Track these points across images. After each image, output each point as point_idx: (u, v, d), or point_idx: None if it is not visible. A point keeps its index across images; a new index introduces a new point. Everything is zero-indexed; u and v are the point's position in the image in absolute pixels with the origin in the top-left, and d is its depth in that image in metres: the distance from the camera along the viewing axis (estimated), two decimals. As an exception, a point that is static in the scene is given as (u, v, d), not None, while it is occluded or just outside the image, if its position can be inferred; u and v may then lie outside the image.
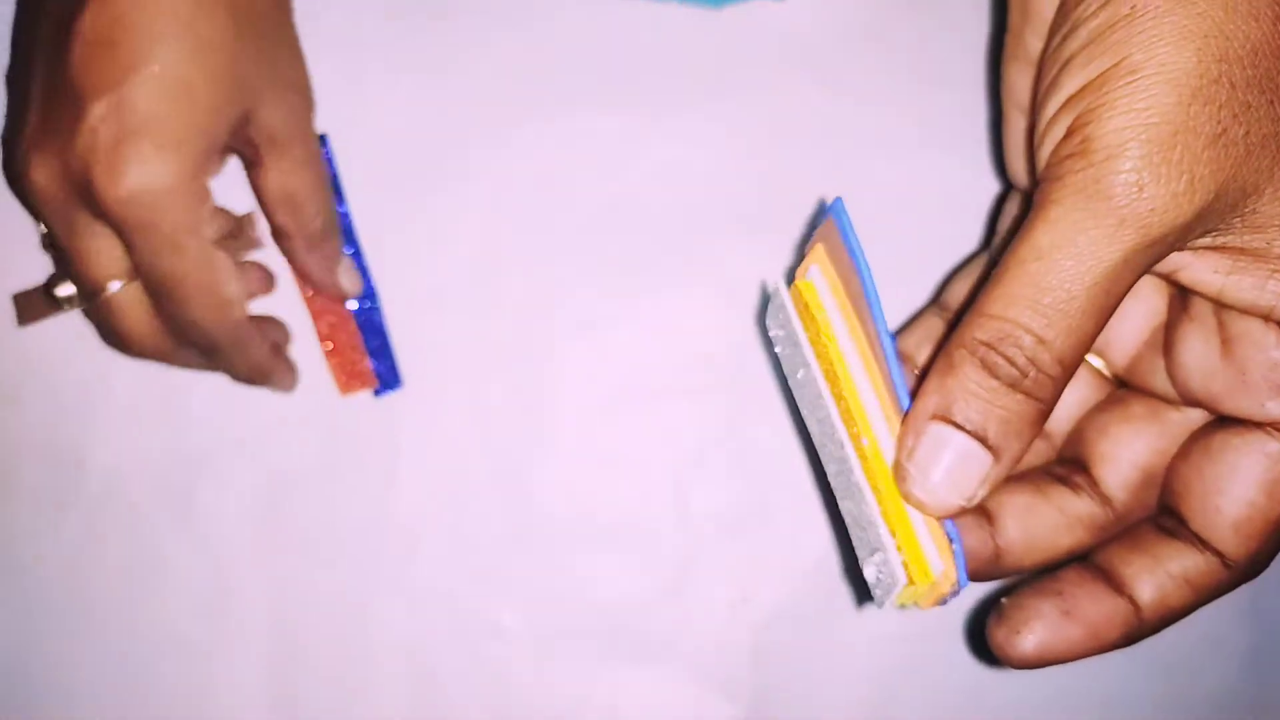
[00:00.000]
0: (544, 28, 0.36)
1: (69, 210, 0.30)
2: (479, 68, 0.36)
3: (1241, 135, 0.23)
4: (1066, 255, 0.23)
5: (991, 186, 0.36)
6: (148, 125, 0.28)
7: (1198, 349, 0.27)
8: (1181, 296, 0.27)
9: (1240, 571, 0.26)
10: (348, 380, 0.35)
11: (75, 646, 0.35)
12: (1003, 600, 0.27)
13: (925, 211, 0.35)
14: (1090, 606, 0.26)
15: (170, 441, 0.35)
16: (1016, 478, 0.29)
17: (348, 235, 0.35)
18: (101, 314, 0.32)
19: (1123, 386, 0.30)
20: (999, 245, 0.31)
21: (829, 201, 0.26)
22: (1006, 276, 0.24)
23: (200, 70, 0.29)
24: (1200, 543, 0.26)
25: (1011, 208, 0.31)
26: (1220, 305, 0.26)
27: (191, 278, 0.30)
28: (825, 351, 0.26)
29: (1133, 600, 0.26)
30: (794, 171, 0.36)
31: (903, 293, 0.35)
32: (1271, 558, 0.27)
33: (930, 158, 0.36)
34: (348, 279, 0.35)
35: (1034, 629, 0.26)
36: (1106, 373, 0.30)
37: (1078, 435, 0.30)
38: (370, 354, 0.35)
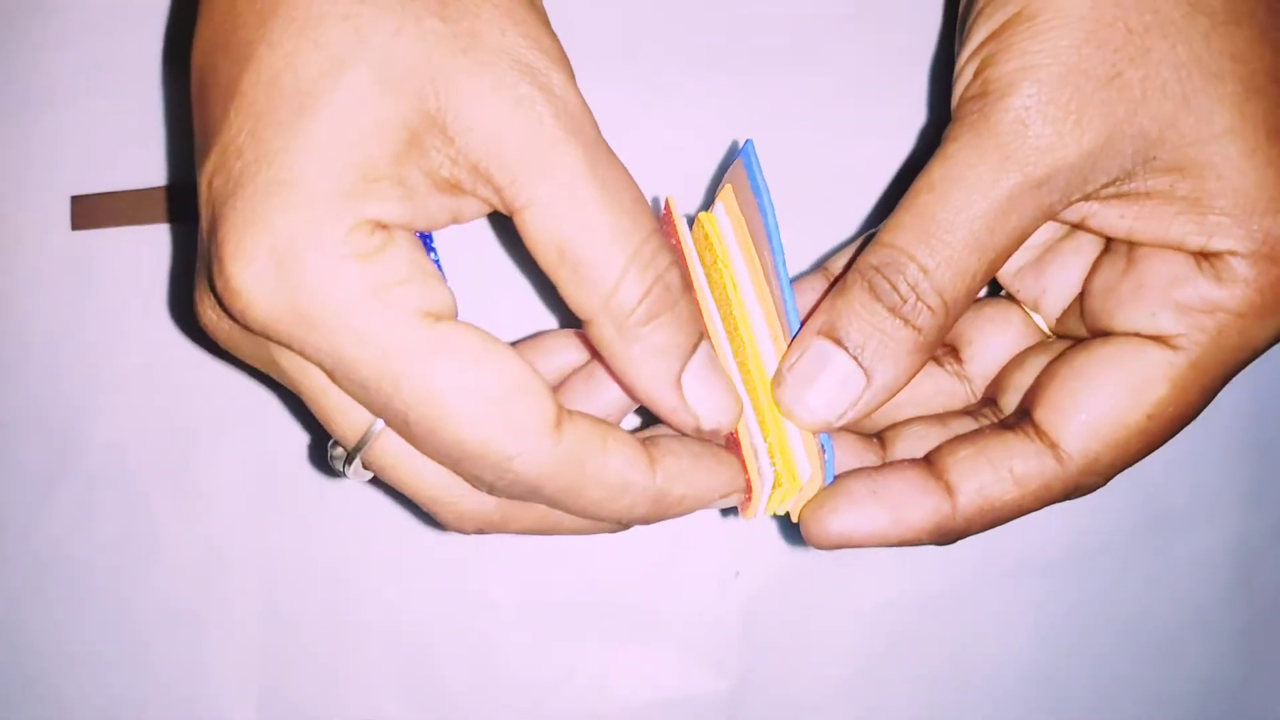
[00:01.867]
0: None
1: (259, 349, 0.24)
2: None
3: (1139, 79, 0.23)
4: (953, 188, 0.23)
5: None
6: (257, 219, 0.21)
7: (1106, 273, 0.27)
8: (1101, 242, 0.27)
9: (1074, 474, 0.25)
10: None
11: (70, 619, 0.35)
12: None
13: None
14: (900, 490, 0.25)
15: (166, 416, 0.35)
16: (925, 415, 0.29)
17: None
18: (393, 476, 0.25)
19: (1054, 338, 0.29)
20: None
21: (741, 144, 0.27)
22: (902, 207, 0.24)
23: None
24: (1038, 434, 0.25)
25: None
26: (1126, 242, 0.26)
27: (450, 435, 0.22)
28: (719, 278, 0.27)
29: (950, 489, 0.25)
30: (791, 152, 0.35)
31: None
32: (1111, 471, 0.25)
33: (926, 139, 0.35)
34: (704, 396, 0.25)
35: (838, 508, 0.25)
36: (1047, 329, 0.29)
37: (998, 377, 0.29)
38: None
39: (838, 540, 0.25)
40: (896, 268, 0.24)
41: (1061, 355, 0.27)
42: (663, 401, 0.24)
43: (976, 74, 0.24)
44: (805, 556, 0.36)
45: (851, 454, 0.28)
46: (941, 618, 0.36)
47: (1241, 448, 0.36)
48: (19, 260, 0.35)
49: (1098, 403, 0.25)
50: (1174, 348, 0.25)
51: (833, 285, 0.26)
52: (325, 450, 0.27)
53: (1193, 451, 0.36)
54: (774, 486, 0.25)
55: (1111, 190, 0.24)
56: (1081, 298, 0.27)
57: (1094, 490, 0.26)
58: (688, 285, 0.25)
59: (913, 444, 0.28)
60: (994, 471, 0.25)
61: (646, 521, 0.25)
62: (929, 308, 0.24)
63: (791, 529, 0.35)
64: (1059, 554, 0.36)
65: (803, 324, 0.26)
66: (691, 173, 0.35)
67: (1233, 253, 0.24)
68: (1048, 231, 0.29)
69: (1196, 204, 0.24)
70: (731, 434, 0.26)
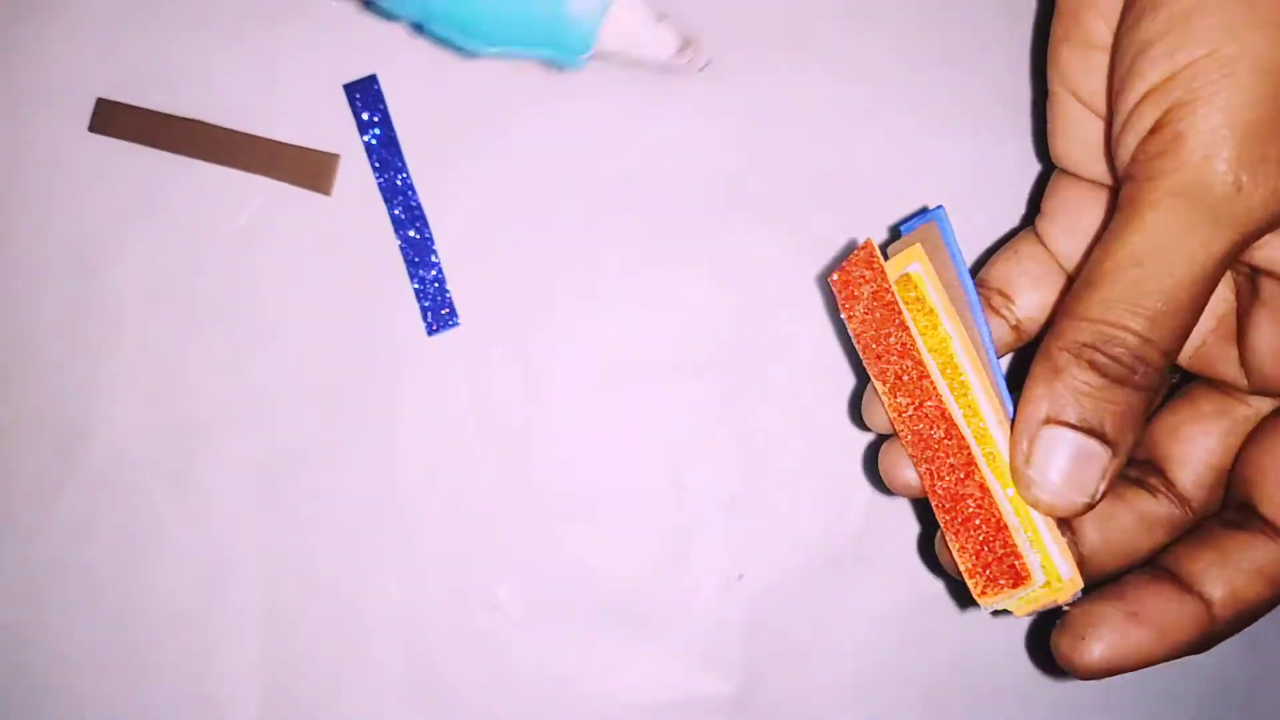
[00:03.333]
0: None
1: None
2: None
3: None
4: (1167, 259, 0.23)
5: (990, 163, 0.35)
6: None
7: (1269, 331, 0.26)
8: (1250, 282, 0.27)
9: None
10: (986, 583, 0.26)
11: (73, 620, 0.35)
12: (1066, 608, 0.26)
13: (925, 191, 0.35)
14: (1157, 607, 0.25)
15: (169, 417, 0.35)
16: None
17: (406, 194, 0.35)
18: None
19: (1188, 378, 0.29)
20: (1052, 227, 0.30)
21: (931, 207, 0.27)
22: (1106, 280, 0.23)
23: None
24: (1272, 530, 0.26)
25: (1064, 189, 0.30)
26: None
27: None
28: (937, 341, 0.26)
29: (1203, 598, 0.25)
30: (794, 152, 0.35)
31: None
32: None
33: (930, 137, 0.35)
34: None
35: (1100, 634, 0.25)
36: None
37: (1149, 437, 0.29)
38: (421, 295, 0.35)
39: (1105, 667, 0.25)
40: (1119, 343, 0.23)
41: (1257, 442, 0.27)
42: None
43: (1160, 126, 0.23)
44: (809, 559, 0.35)
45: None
46: (946, 620, 0.36)
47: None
48: (34, 147, 0.36)
49: None
50: None
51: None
52: None
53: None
54: (1044, 585, 0.25)
55: None
56: (1245, 354, 0.27)
57: None
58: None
59: (1101, 524, 0.27)
60: (1244, 575, 0.25)
61: None
62: (1156, 369, 0.24)
63: (795, 531, 0.35)
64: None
65: (1014, 413, 0.25)
66: (694, 174, 0.35)
67: None
68: (1221, 306, 0.28)
69: None
70: (982, 507, 0.25)
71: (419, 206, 0.35)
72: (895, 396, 0.27)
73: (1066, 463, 0.24)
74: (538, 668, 0.35)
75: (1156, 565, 0.27)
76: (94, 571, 0.35)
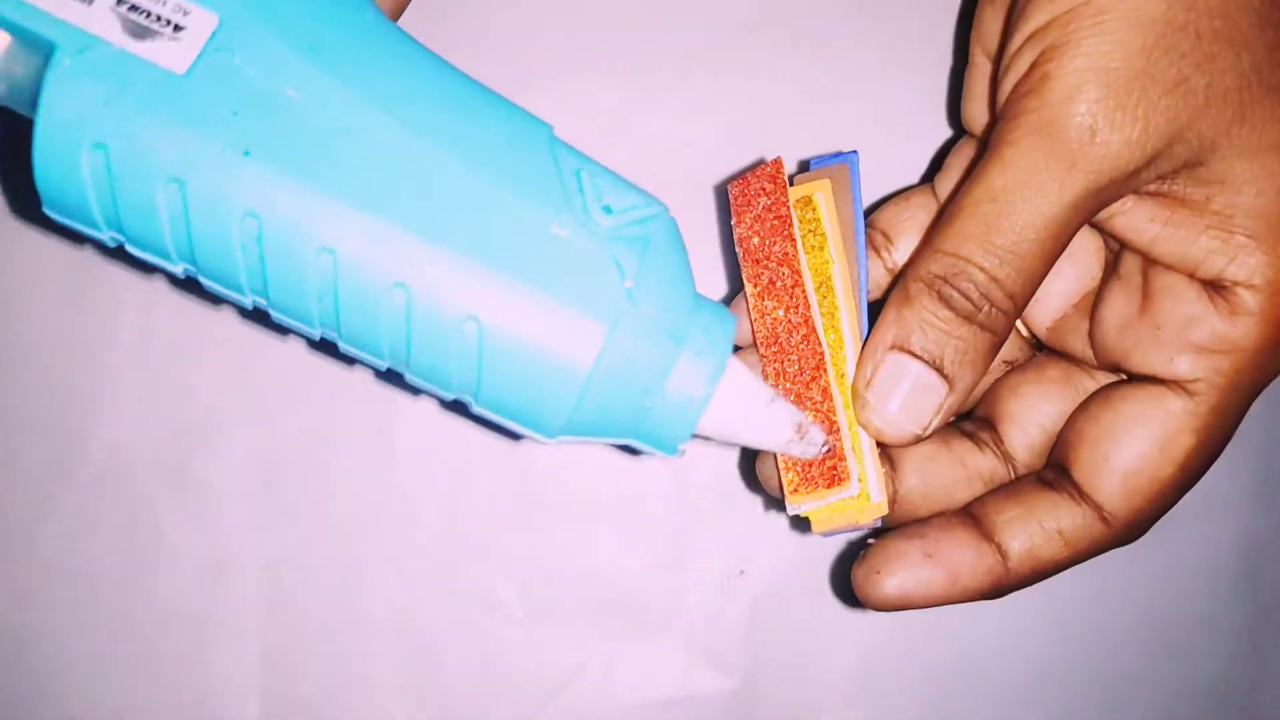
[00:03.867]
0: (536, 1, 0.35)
1: None
2: (476, 40, 0.35)
3: (1203, 86, 0.23)
4: (1019, 198, 0.23)
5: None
6: None
7: (1119, 305, 0.27)
8: (1114, 259, 0.27)
9: (1119, 530, 0.26)
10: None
11: (73, 622, 0.35)
12: (869, 541, 0.27)
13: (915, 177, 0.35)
14: (954, 551, 0.26)
15: (168, 417, 0.35)
16: None
17: None
18: None
19: (1042, 350, 0.29)
20: (946, 182, 0.30)
21: (846, 150, 0.28)
22: (961, 215, 0.24)
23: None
24: (1081, 496, 0.26)
25: (966, 149, 0.30)
26: (1148, 259, 0.26)
27: None
28: (820, 263, 0.27)
29: (1001, 550, 0.26)
30: (790, 146, 0.35)
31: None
32: (1153, 520, 0.26)
33: (928, 128, 0.35)
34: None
35: (894, 570, 0.26)
36: (1025, 333, 0.30)
37: (992, 394, 0.29)
38: None
39: (895, 602, 0.26)
40: (966, 277, 0.24)
41: (1084, 409, 0.27)
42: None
43: (1034, 67, 0.24)
44: (810, 555, 0.35)
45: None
46: (947, 616, 0.35)
47: (1248, 446, 0.36)
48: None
49: (1130, 462, 0.25)
50: (1193, 394, 0.25)
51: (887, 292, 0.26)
52: None
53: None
54: (858, 497, 0.25)
55: (1153, 187, 0.24)
56: (1093, 327, 0.27)
57: (1135, 539, 0.26)
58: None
59: (923, 467, 0.28)
60: (1044, 533, 0.26)
61: None
62: (1003, 312, 0.24)
63: (798, 528, 0.35)
64: (1065, 552, 0.35)
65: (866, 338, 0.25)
66: (693, 168, 0.35)
67: (1248, 284, 0.24)
68: (1083, 280, 0.29)
69: (1228, 221, 0.24)
70: (825, 414, 0.26)
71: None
72: (763, 300, 0.27)
73: (904, 391, 0.24)
74: (538, 665, 0.35)
75: (964, 511, 0.27)
76: (93, 572, 0.35)
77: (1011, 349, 0.30)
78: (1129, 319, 0.26)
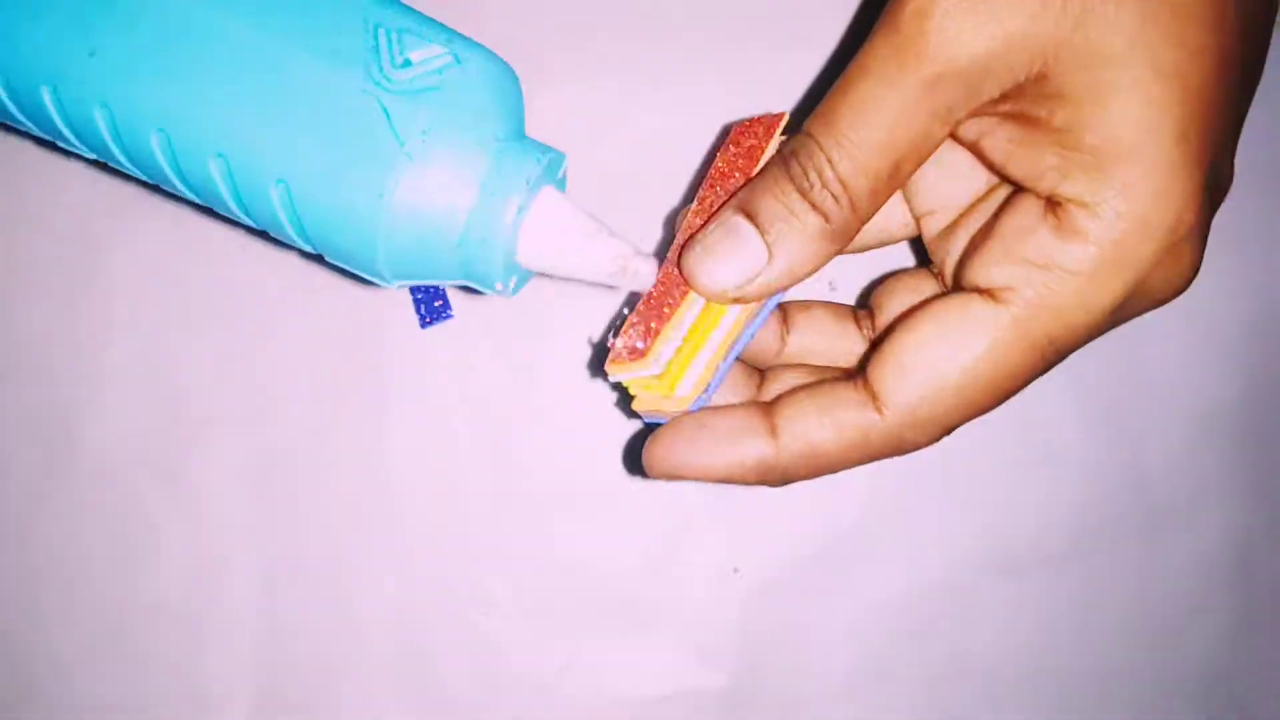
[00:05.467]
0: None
1: None
2: (474, 36, 0.36)
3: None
4: (858, 82, 0.23)
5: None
6: None
7: (974, 221, 0.27)
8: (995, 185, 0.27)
9: (891, 426, 0.25)
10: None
11: (65, 618, 0.35)
12: (651, 413, 0.27)
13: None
14: (728, 428, 0.26)
15: (161, 415, 0.35)
16: (828, 305, 0.30)
17: None
18: None
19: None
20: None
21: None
22: (825, 99, 0.24)
23: None
24: (864, 388, 0.25)
25: None
26: (1004, 178, 0.26)
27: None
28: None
29: (775, 433, 0.26)
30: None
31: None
32: (929, 427, 0.25)
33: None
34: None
35: (668, 438, 0.26)
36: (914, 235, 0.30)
37: (882, 286, 0.30)
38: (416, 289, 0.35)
39: (665, 470, 0.26)
40: (808, 153, 0.24)
41: (909, 312, 0.26)
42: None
43: None
44: (804, 553, 0.35)
45: (730, 386, 0.28)
46: (940, 612, 0.36)
47: (1239, 441, 0.36)
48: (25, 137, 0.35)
49: (917, 357, 0.24)
50: (1000, 303, 0.24)
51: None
52: None
53: (1190, 445, 0.36)
54: (659, 374, 0.25)
55: (1006, 107, 0.24)
56: (949, 243, 0.28)
57: (919, 448, 0.25)
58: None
59: (808, 334, 0.29)
60: (818, 418, 0.25)
61: None
62: (833, 195, 0.24)
63: (790, 525, 0.35)
64: (1058, 547, 0.35)
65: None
66: (686, 162, 0.35)
67: (1081, 203, 0.23)
68: (966, 194, 0.28)
69: (1068, 137, 0.23)
70: (671, 304, 0.26)
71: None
72: (696, 219, 0.27)
73: (728, 247, 0.25)
74: (531, 661, 0.35)
75: (768, 401, 0.27)
76: (85, 569, 0.35)
77: (976, 183, 0.29)
78: (976, 235, 0.26)
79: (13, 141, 0.36)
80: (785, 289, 0.26)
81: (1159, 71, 0.22)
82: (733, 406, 0.27)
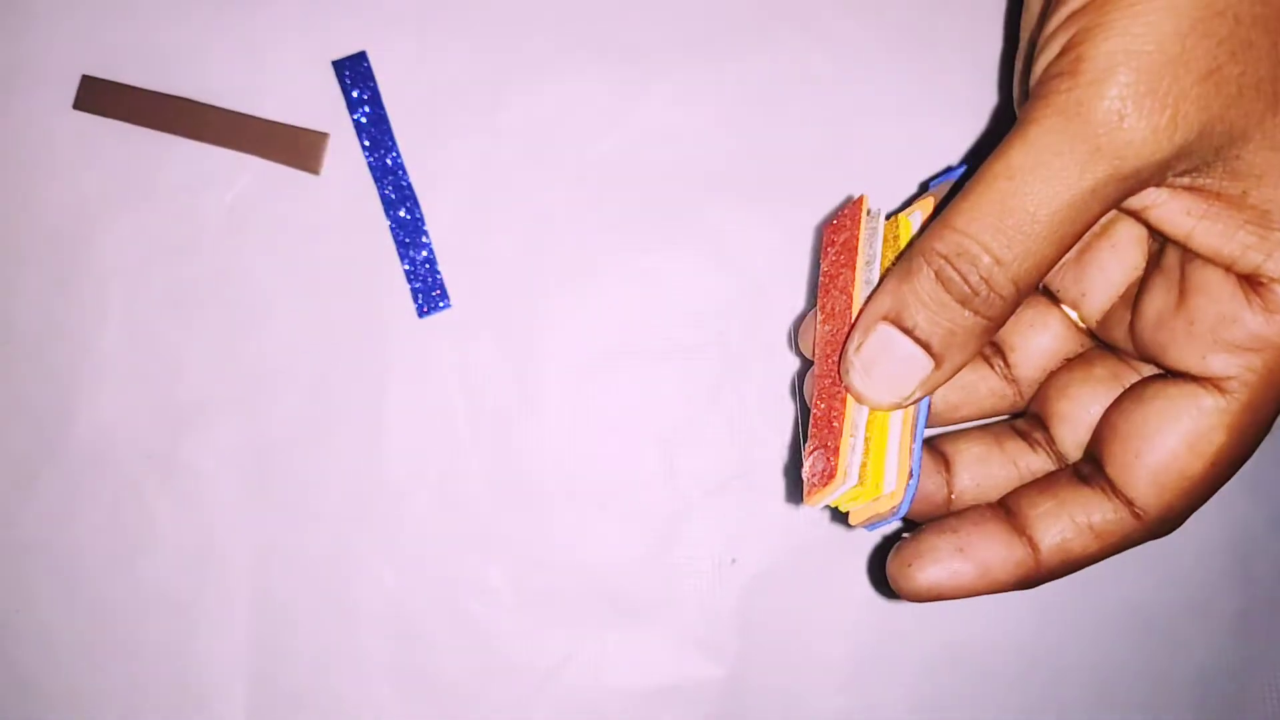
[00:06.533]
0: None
1: None
2: (469, 31, 0.35)
3: (1236, 74, 0.22)
4: (1037, 177, 0.23)
5: (985, 144, 0.35)
6: None
7: (1158, 299, 0.26)
8: (1158, 250, 0.27)
9: (1150, 526, 0.26)
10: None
11: (58, 607, 0.35)
12: (904, 535, 0.27)
13: (915, 170, 0.35)
14: (985, 546, 0.26)
15: (156, 401, 0.35)
16: (980, 429, 0.30)
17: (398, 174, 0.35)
18: None
19: (1095, 341, 0.29)
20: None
21: (955, 166, 0.28)
22: (975, 191, 0.23)
23: None
24: (1113, 491, 0.26)
25: None
26: (1186, 251, 0.25)
27: None
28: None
29: (1032, 543, 0.26)
30: (785, 133, 0.35)
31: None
32: (1185, 516, 0.26)
33: (923, 117, 0.35)
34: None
35: (925, 563, 0.26)
36: (1080, 325, 0.29)
37: (1044, 392, 0.29)
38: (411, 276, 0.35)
39: (927, 594, 0.26)
40: (970, 259, 0.23)
41: (1118, 404, 0.27)
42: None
43: (1067, 48, 0.23)
44: (801, 543, 0.35)
45: (923, 472, 0.28)
46: (938, 605, 0.35)
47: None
48: (18, 123, 0.35)
49: (1163, 459, 0.25)
50: (1226, 392, 0.25)
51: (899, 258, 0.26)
52: None
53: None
54: (858, 484, 0.25)
55: (1186, 180, 0.24)
56: (1133, 320, 0.27)
57: (1168, 533, 0.26)
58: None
59: (976, 468, 0.28)
60: (1075, 528, 0.26)
61: None
62: (1002, 298, 0.24)
63: (788, 516, 0.35)
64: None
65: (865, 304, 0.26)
66: (685, 155, 0.35)
67: None
68: (1121, 273, 0.28)
69: (1265, 216, 0.23)
70: (837, 417, 0.26)
71: (409, 186, 0.35)
72: (824, 325, 0.28)
73: (889, 362, 0.25)
74: (528, 652, 0.35)
75: (998, 504, 0.27)
76: (78, 557, 0.35)
77: (1071, 343, 0.30)
78: (1166, 313, 0.26)
79: (6, 129, 0.35)
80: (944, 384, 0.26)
81: None
82: (977, 520, 0.27)
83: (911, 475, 0.26)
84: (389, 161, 0.35)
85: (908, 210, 0.28)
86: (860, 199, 0.28)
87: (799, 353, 0.31)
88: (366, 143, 0.35)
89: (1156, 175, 0.23)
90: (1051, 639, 0.36)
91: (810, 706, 0.35)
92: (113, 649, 0.35)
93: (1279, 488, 0.36)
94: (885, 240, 0.28)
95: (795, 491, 0.35)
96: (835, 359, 0.27)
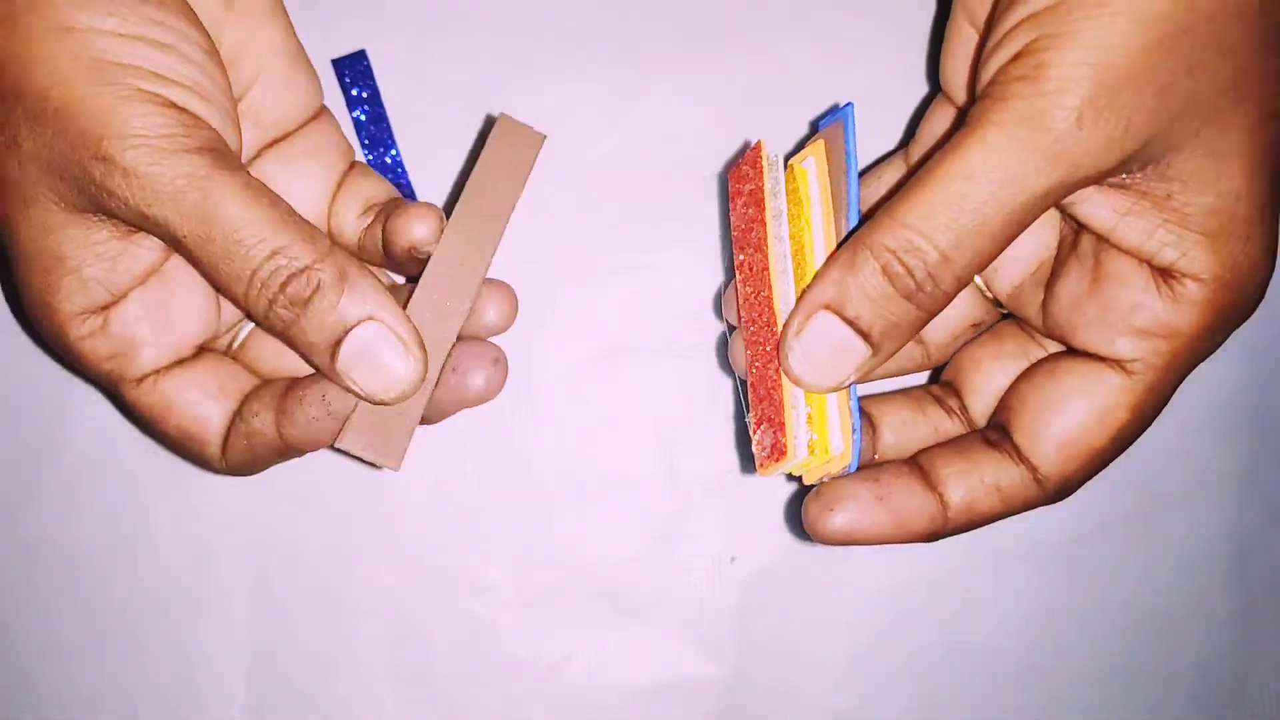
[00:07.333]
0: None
1: None
2: (469, 29, 0.35)
3: (1185, 90, 0.23)
4: (994, 180, 0.23)
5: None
6: None
7: (1072, 282, 0.27)
8: (1073, 234, 0.28)
9: (1051, 491, 0.27)
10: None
11: (58, 604, 0.35)
12: (823, 480, 0.28)
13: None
14: (902, 497, 0.27)
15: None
16: (902, 394, 0.31)
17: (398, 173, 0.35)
18: None
19: (1001, 310, 0.31)
20: (919, 151, 0.31)
21: (842, 105, 0.28)
22: (930, 188, 0.24)
23: None
24: (1019, 458, 0.27)
25: (939, 115, 0.31)
26: (1107, 243, 0.26)
27: None
28: (799, 233, 0.28)
29: (943, 499, 0.27)
30: (784, 131, 0.35)
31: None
32: (1080, 484, 0.28)
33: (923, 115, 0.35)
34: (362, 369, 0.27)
35: (845, 508, 0.27)
36: (988, 294, 0.30)
37: (957, 363, 0.31)
38: None
39: (841, 537, 0.27)
40: (918, 254, 0.24)
41: (1029, 376, 0.28)
42: (324, 370, 0.26)
43: (1027, 52, 0.23)
44: (801, 542, 0.35)
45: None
46: (938, 602, 0.36)
47: (1236, 433, 0.36)
48: None
49: (1068, 431, 0.27)
50: (1130, 373, 0.26)
51: (847, 237, 0.27)
52: None
53: (1188, 437, 0.36)
54: (809, 453, 0.26)
55: (1118, 180, 0.25)
56: (1046, 300, 0.28)
57: (1063, 499, 0.28)
58: None
59: (900, 431, 0.30)
60: (984, 488, 0.27)
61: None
62: (945, 293, 0.25)
63: (790, 514, 0.35)
64: (1055, 538, 0.36)
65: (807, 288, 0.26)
66: (684, 154, 0.35)
67: (1196, 277, 0.25)
68: (1034, 252, 0.29)
69: (1185, 218, 0.25)
70: (775, 387, 0.27)
71: (409, 185, 0.35)
72: (744, 286, 0.28)
73: (828, 349, 0.26)
74: (528, 650, 0.35)
75: (913, 461, 0.28)
76: (78, 554, 0.35)
77: (978, 310, 0.31)
78: (1079, 297, 0.27)
79: None
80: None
81: (1267, 161, 0.24)
82: (895, 472, 0.28)
83: (854, 431, 0.27)
84: (388, 160, 0.35)
85: (800, 156, 0.29)
86: (759, 144, 0.29)
87: (726, 321, 0.31)
88: (366, 141, 0.35)
89: (1098, 179, 0.24)
90: (1050, 637, 0.36)
91: (809, 705, 0.35)
92: (113, 645, 0.35)
93: (1277, 487, 0.36)
94: (787, 192, 0.28)
95: (748, 461, 0.35)
96: (763, 322, 0.27)
